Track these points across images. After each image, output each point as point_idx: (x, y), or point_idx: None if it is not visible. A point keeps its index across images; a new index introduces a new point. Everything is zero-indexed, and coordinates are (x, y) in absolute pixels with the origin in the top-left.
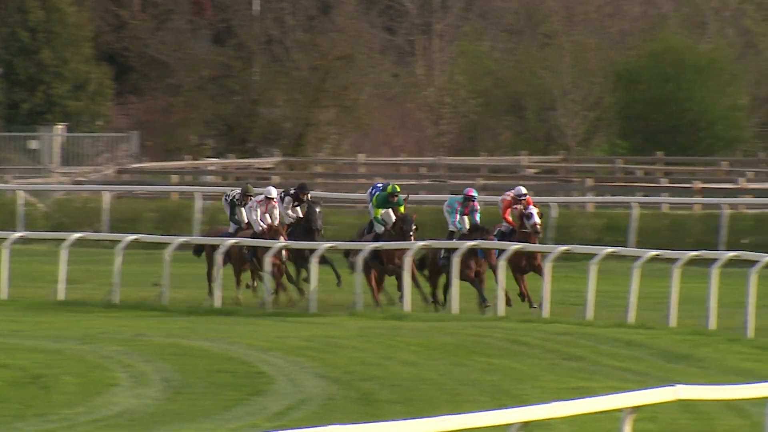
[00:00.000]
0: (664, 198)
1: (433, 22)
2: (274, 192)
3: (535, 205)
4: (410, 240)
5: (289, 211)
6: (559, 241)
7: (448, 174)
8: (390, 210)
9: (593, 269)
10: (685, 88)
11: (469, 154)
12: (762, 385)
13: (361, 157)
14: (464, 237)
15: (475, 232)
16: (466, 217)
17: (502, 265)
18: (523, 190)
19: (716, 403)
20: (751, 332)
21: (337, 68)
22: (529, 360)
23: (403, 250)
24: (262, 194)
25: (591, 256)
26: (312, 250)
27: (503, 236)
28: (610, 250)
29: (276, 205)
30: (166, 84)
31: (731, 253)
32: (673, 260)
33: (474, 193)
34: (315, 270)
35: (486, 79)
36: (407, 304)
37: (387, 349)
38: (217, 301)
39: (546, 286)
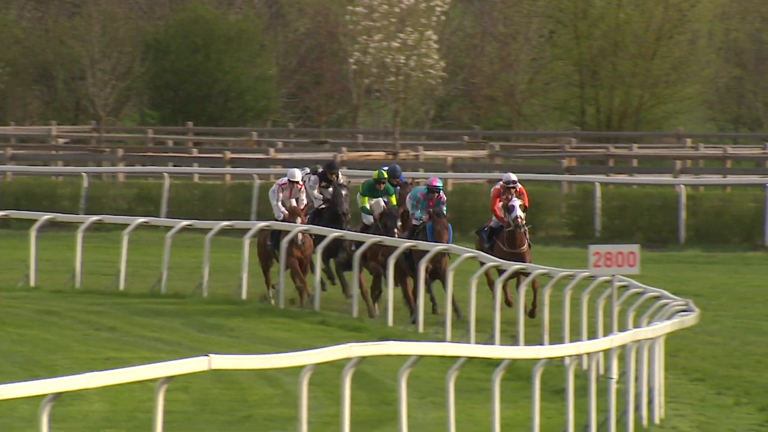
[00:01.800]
0: (195, 168)
1: None
2: (298, 174)
3: (520, 196)
4: (394, 236)
5: (315, 192)
6: (90, 212)
7: None
8: (380, 200)
9: (125, 239)
10: (214, 58)
11: None
12: (294, 355)
13: None
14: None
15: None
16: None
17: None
18: (513, 177)
19: (249, 372)
20: (282, 302)
21: None
22: (61, 331)
23: (387, 248)
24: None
25: (124, 226)
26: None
27: (492, 232)
28: (142, 220)
29: (302, 189)
30: None
31: (263, 223)
32: (205, 230)
33: (438, 183)
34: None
35: (14, 48)
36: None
37: None
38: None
39: (78, 256)
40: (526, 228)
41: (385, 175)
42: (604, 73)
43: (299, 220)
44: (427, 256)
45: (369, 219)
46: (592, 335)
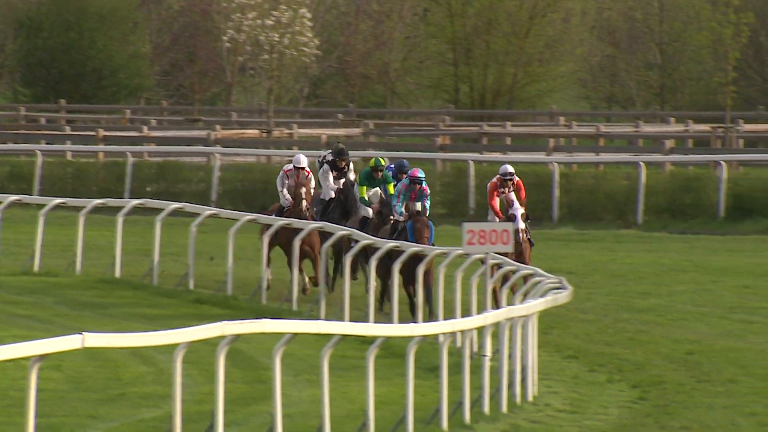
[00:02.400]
0: (68, 146)
1: None
2: (303, 160)
3: (519, 192)
4: (389, 224)
5: (331, 182)
6: None
7: None
8: (377, 190)
9: None
10: (87, 36)
11: None
12: (167, 333)
13: None
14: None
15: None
16: (418, 204)
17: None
18: (510, 169)
19: (122, 350)
20: (156, 280)
21: None
22: None
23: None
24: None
25: None
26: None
27: None
28: (14, 197)
29: (309, 175)
30: None
31: (136, 201)
32: (79, 208)
33: (420, 174)
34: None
35: None
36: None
37: None
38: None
39: None
40: (527, 224)
41: (383, 163)
42: (478, 52)
43: (304, 205)
44: (301, 234)
45: (368, 211)
46: (466, 313)
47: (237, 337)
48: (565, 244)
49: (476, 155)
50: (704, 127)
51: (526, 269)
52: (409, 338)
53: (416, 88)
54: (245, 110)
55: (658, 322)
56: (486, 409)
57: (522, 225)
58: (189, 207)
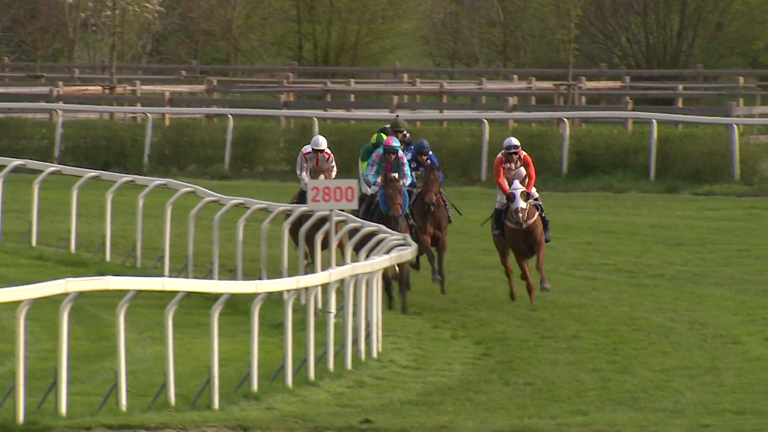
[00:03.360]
0: None
1: None
2: (323, 142)
3: (528, 168)
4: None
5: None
6: None
7: None
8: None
9: None
10: None
11: None
12: (10, 290)
13: None
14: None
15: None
16: (396, 175)
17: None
18: (514, 141)
19: None
20: None
21: None
22: None
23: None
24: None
25: None
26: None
27: (499, 215)
28: None
29: (330, 158)
30: None
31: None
32: None
33: (395, 143)
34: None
35: None
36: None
37: None
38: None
39: None
40: (539, 203)
41: (385, 138)
42: (322, 9)
43: None
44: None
45: (368, 189)
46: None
47: (80, 294)
48: None
49: (320, 112)
50: (547, 84)
51: (371, 226)
52: (254, 295)
53: (260, 45)
54: (88, 66)
55: (501, 279)
56: (331, 365)
57: (522, 204)
58: (31, 163)
